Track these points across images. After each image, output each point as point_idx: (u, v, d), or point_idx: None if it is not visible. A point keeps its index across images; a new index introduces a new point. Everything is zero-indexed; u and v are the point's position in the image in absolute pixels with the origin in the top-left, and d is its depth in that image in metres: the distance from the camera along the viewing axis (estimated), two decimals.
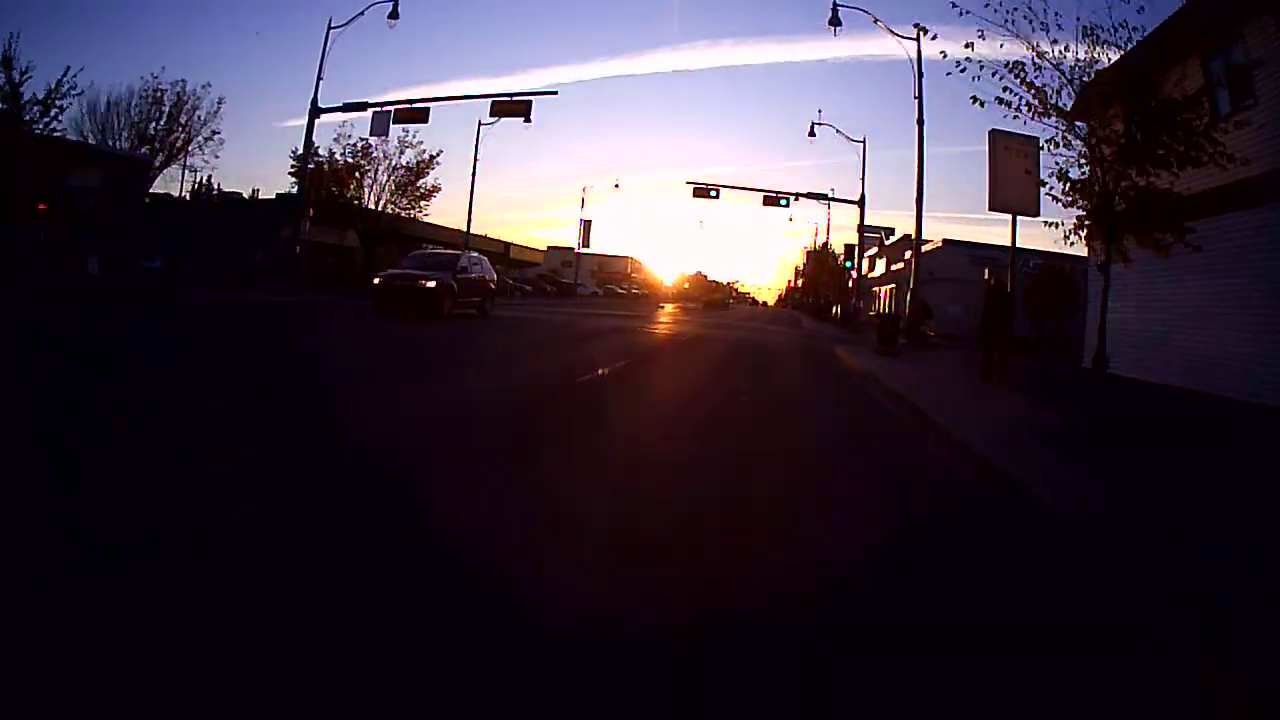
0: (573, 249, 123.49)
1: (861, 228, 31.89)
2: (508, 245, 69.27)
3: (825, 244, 54.61)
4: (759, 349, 16.28)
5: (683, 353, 14.63)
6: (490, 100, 24.39)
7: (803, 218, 70.55)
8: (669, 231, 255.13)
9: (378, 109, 27.16)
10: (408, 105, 25.91)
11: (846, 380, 11.79)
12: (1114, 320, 17.57)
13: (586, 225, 54.04)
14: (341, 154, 40.56)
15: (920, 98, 21.80)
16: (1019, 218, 14.73)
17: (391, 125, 26.63)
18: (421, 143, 41.75)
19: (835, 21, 20.84)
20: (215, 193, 47.70)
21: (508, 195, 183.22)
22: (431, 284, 16.74)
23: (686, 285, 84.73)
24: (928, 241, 41.46)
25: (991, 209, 18.19)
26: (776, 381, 10.59)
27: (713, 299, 65.67)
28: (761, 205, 32.28)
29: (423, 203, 41.68)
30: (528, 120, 24.13)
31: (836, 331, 30.92)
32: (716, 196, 32.66)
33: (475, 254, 21.84)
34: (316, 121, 28.37)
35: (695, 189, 32.79)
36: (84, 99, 33.04)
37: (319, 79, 27.72)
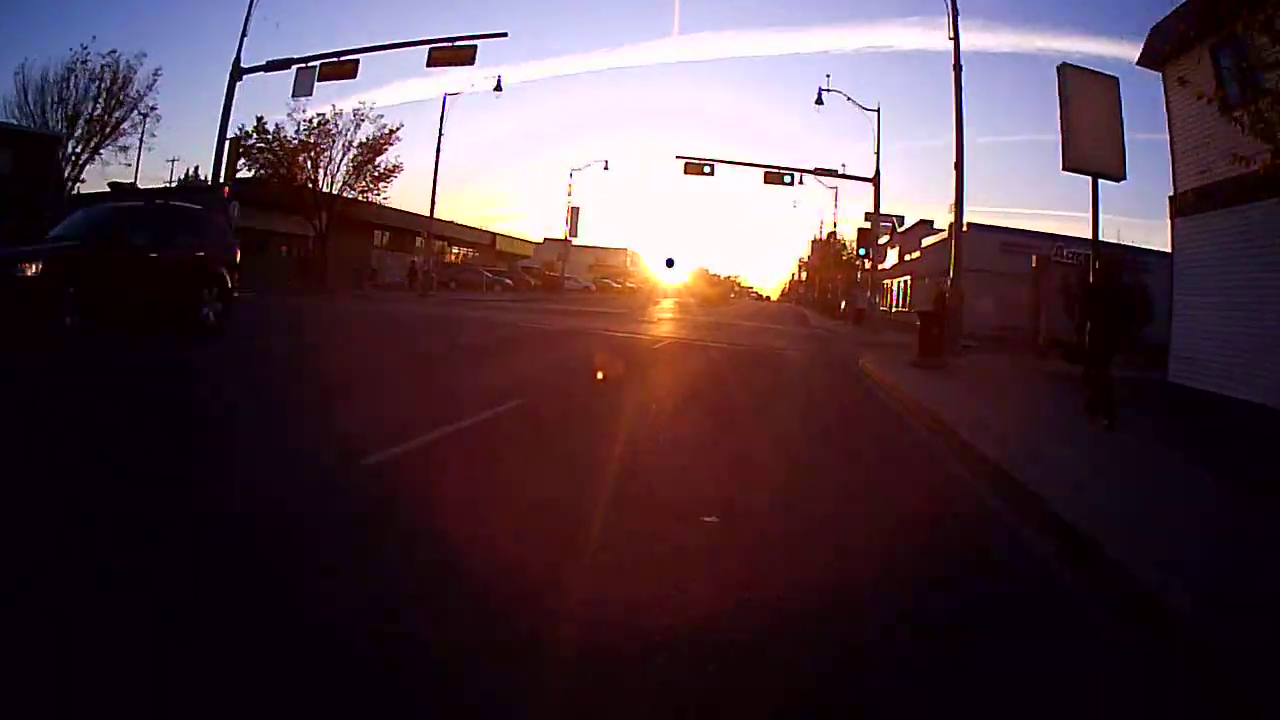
0: (568, 240, 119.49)
1: (876, 211, 27.43)
2: (494, 236, 65.02)
3: (832, 234, 50.09)
4: (757, 366, 11.86)
5: (635, 379, 9.07)
6: (429, 49, 19.94)
7: (808, 203, 65.66)
8: (672, 227, 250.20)
9: (302, 65, 22.78)
10: (334, 58, 21.51)
11: (898, 426, 7.37)
12: (1209, 323, 13.20)
13: (574, 213, 49.58)
14: (297, 132, 36.39)
15: (956, 38, 17.44)
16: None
17: (316, 82, 22.23)
18: (381, 116, 37.34)
19: None
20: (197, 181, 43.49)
21: (501, 188, 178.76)
22: (32, 269, 7.90)
23: (688, 279, 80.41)
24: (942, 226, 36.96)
25: (1067, 168, 13.76)
26: (779, 446, 6.00)
27: (711, 294, 61.16)
28: (763, 183, 27.83)
29: (382, 184, 37.39)
30: (472, 64, 19.67)
31: (850, 331, 26.45)
32: (711, 173, 28.22)
33: (192, 209, 11.51)
34: (242, 85, 23.98)
35: (687, 164, 28.34)
36: (19, 79, 28.54)
37: (243, 35, 23.44)
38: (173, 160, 41.48)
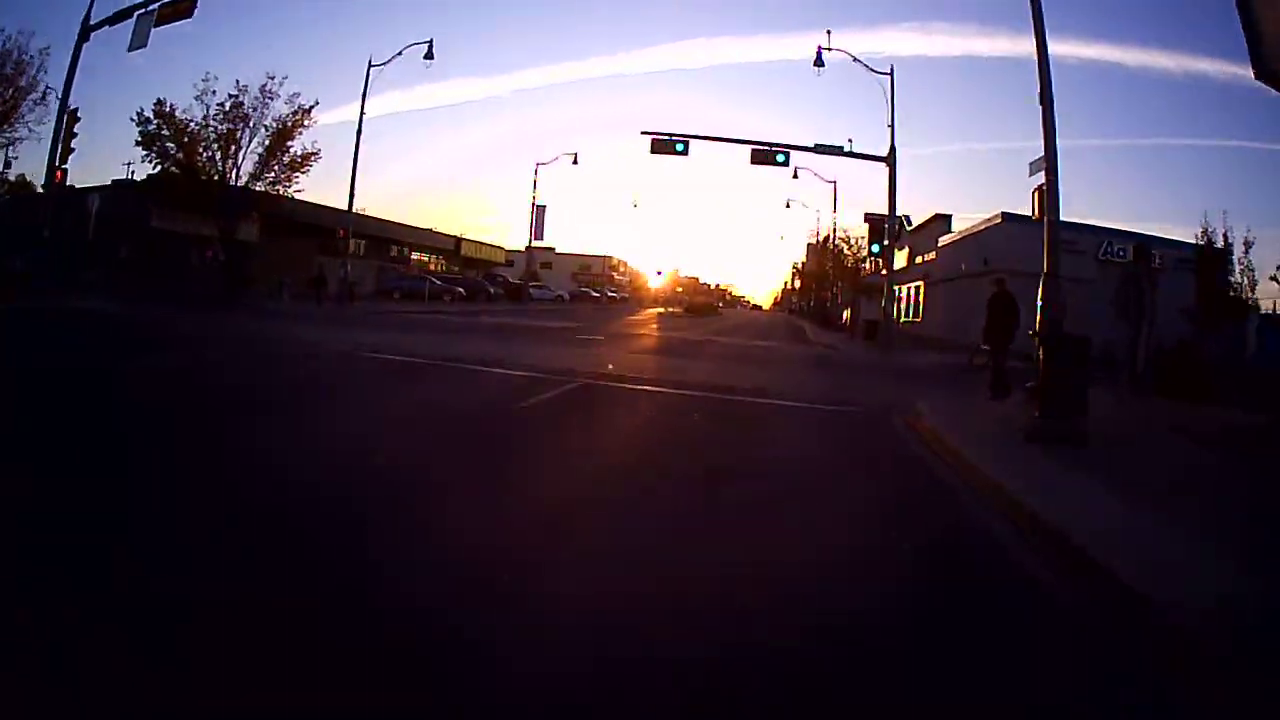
0: (553, 248, 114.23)
1: (892, 196, 21.70)
2: (459, 240, 59.24)
3: (826, 238, 43.93)
4: (707, 457, 5.76)
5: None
6: None
7: (807, 200, 58.62)
8: (666, 236, 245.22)
9: (142, 10, 17.21)
10: None
11: None
12: None
13: (539, 212, 43.69)
14: (205, 117, 30.60)
15: None
16: None
17: (152, 29, 16.67)
18: (298, 94, 31.41)
19: None
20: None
21: (494, 198, 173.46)
22: None
23: (679, 289, 74.46)
24: (967, 218, 30.65)
25: (1260, 76, 8.19)
26: None
27: (697, 303, 55.45)
28: (751, 164, 22.16)
29: (296, 174, 31.41)
30: None
31: (864, 351, 20.63)
32: (684, 152, 22.50)
33: None
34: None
35: (654, 141, 22.61)
36: None
37: None
38: (128, 164, 35.23)
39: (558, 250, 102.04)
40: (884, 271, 23.26)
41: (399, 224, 51.59)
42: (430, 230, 55.64)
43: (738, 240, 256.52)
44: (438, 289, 37.42)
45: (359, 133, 28.81)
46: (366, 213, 49.11)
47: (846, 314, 38.06)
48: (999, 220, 26.08)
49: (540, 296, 58.37)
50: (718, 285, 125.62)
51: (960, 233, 30.32)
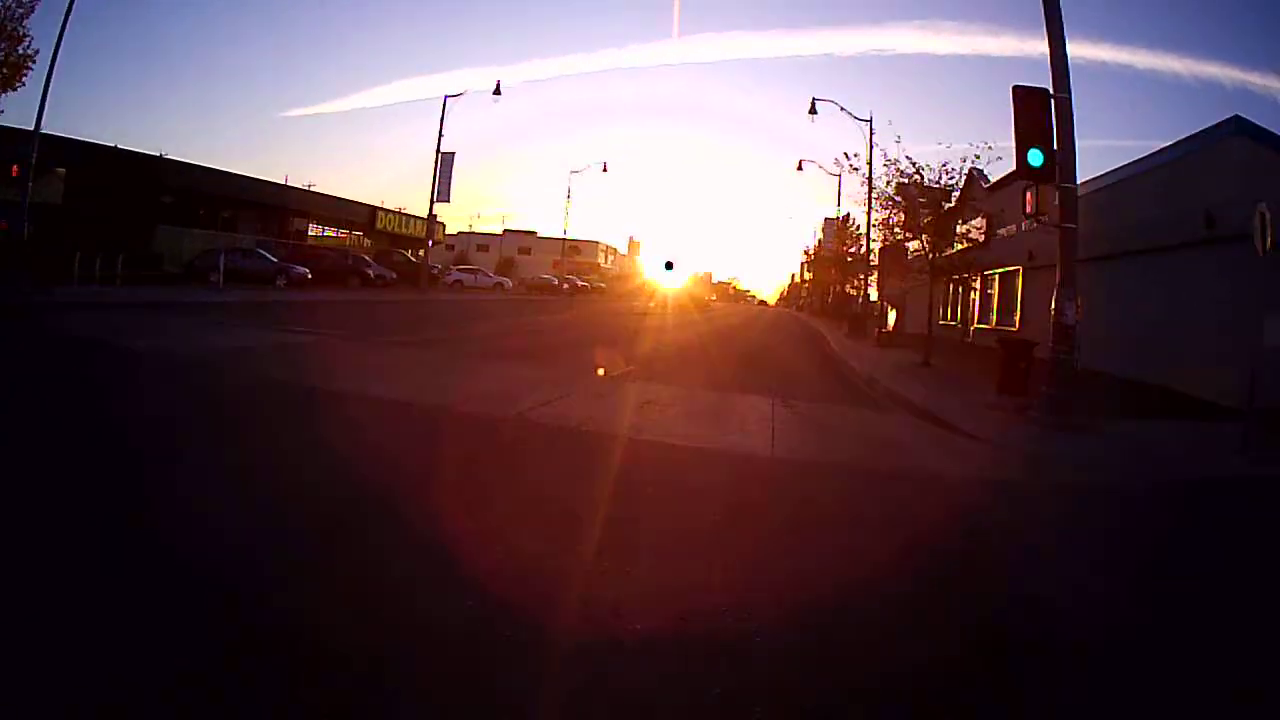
0: (534, 232, 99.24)
1: (1059, 59, 8.58)
2: (374, 210, 45.95)
3: (847, 217, 30.26)
4: None
5: None
6: None
7: (820, 159, 43.69)
8: (674, 228, 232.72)
9: None
10: None
11: None
12: None
13: (444, 163, 30.41)
14: None
15: None
16: None
17: None
18: None
19: None
20: None
21: (502, 188, 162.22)
22: None
23: (642, 282, 63.18)
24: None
25: None
26: None
27: (698, 296, 42.64)
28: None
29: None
30: None
31: (1039, 428, 7.25)
32: None
33: None
34: None
35: None
36: None
37: None
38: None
39: (540, 235, 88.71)
40: (1033, 222, 10.09)
41: (299, 189, 39.14)
42: (339, 199, 42.73)
43: (744, 234, 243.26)
44: (268, 269, 24.51)
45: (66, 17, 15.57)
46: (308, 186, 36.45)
47: (893, 315, 24.53)
48: (1230, 133, 12.71)
49: (477, 283, 45.43)
50: (706, 274, 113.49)
51: (1117, 170, 16.98)
